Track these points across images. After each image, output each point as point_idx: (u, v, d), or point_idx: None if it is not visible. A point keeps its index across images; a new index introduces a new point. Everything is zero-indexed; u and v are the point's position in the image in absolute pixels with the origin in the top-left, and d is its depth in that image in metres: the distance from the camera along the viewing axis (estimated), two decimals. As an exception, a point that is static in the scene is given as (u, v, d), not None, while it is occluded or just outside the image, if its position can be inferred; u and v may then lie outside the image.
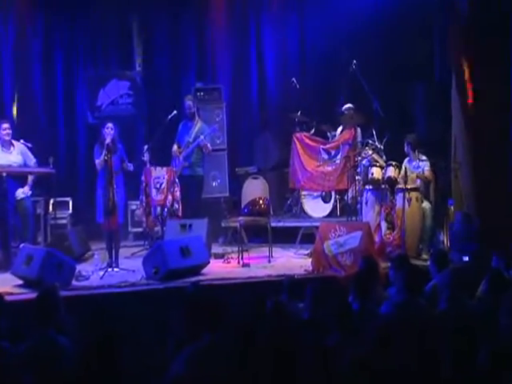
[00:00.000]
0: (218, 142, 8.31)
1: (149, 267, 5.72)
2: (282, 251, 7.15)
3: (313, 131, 8.07)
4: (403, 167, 6.66)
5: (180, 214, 7.21)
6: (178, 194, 7.21)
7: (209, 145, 7.38)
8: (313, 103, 8.52)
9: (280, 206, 8.26)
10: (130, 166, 6.70)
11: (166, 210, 7.22)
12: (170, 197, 7.15)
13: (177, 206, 7.20)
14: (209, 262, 6.09)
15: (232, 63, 9.19)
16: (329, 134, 8.13)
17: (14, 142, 6.95)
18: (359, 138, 7.57)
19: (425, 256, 6.30)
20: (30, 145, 7.03)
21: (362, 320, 3.65)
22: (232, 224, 7.57)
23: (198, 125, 7.46)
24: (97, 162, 6.41)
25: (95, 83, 9.14)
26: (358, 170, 7.20)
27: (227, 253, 6.94)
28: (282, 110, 8.64)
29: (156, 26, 9.24)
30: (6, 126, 6.91)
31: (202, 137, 7.27)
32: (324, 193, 7.89)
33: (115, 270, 6.13)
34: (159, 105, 8.95)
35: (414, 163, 6.83)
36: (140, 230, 8.05)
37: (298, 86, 8.18)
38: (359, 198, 6.96)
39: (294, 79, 8.20)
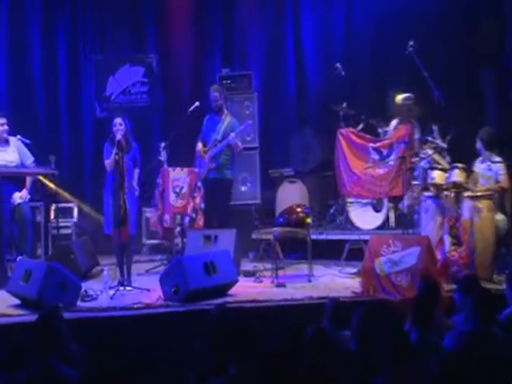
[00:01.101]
0: (249, 139, 8.35)
1: (167, 286, 5.77)
2: (324, 269, 7.15)
3: (361, 126, 8.04)
4: (475, 171, 6.60)
5: (201, 223, 7.26)
6: (198, 200, 7.26)
7: (240, 143, 7.38)
8: (361, 93, 8.50)
9: (322, 215, 8.26)
10: (136, 190, 6.50)
11: (186, 218, 7.28)
12: (191, 203, 7.21)
13: (194, 215, 7.25)
14: (237, 281, 6.11)
15: (264, 45, 9.24)
16: (380, 129, 8.08)
17: (9, 138, 7.05)
18: (417, 135, 7.51)
19: (499, 278, 6.21)
20: (28, 141, 7.13)
21: (421, 353, 3.62)
22: (264, 236, 7.60)
23: (227, 120, 7.47)
24: (107, 162, 6.46)
25: (104, 69, 9.28)
26: (416, 173, 7.13)
27: (259, 270, 6.97)
28: (325, 102, 8.63)
29: (175, 1, 9.32)
30: (2, 121, 7.01)
31: (232, 134, 7.26)
32: (375, 200, 7.85)
33: (127, 288, 6.19)
34: (178, 95, 9.06)
35: (484, 165, 6.75)
36: (156, 242, 8.14)
37: (343, 73, 8.17)
38: (417, 207, 6.90)
39: (338, 64, 8.19)
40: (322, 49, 9.05)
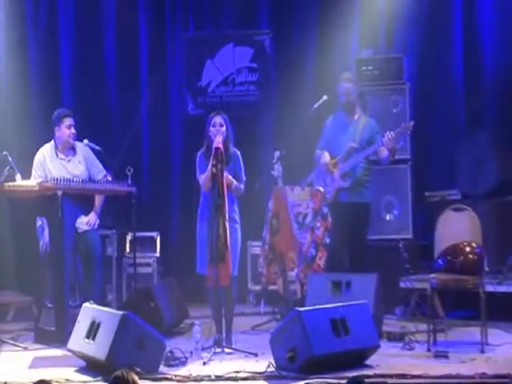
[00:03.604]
0: (397, 147, 8.32)
1: (280, 350, 5.81)
2: (504, 335, 7.04)
3: None
4: None
5: (322, 263, 7.29)
6: (320, 231, 7.28)
7: (387, 152, 7.30)
8: None
9: (502, 258, 8.09)
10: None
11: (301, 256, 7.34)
12: (307, 235, 7.26)
13: (314, 252, 7.30)
14: (379, 347, 6.10)
15: (420, 18, 9.18)
16: None
17: (76, 144, 7.32)
18: None
19: None
20: (98, 148, 7.38)
21: None
22: (418, 285, 7.58)
23: (363, 120, 7.44)
24: (201, 178, 6.62)
25: (199, 51, 9.52)
26: None
27: (409, 332, 6.94)
28: (508, 98, 8.51)
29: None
30: (69, 121, 7.24)
31: (390, 133, 7.16)
32: None
33: (226, 351, 6.30)
34: (296, 86, 9.14)
35: None
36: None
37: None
38: None
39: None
40: (505, 20, 8.89)
